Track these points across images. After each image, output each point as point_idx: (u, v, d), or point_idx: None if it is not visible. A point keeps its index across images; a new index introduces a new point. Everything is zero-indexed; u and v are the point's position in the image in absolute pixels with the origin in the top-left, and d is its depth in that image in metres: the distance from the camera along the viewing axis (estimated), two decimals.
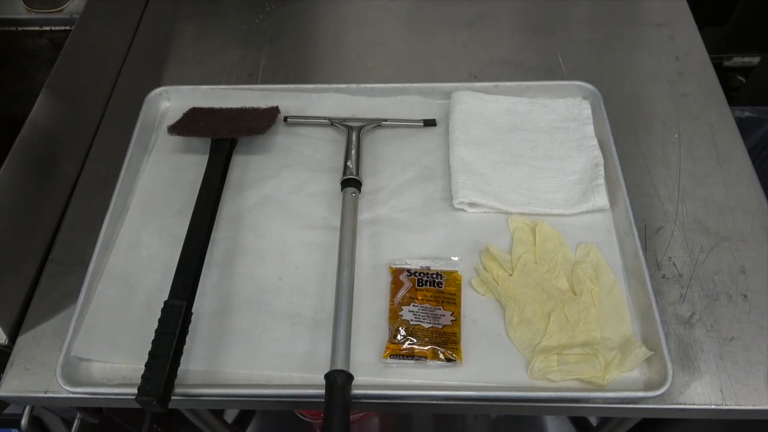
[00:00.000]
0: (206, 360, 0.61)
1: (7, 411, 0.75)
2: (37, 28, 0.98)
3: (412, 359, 0.60)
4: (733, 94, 1.64)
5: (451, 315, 0.63)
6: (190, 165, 0.77)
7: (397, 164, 0.77)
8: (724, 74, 1.72)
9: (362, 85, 0.83)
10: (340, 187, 0.72)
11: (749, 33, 1.63)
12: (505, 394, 0.58)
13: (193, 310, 0.61)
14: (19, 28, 0.98)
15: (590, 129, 0.77)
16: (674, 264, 0.68)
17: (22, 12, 0.98)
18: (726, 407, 0.59)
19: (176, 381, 0.57)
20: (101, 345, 0.62)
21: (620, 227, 0.69)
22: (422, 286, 0.65)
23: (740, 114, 1.20)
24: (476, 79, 0.88)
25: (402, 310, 0.63)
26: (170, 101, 0.84)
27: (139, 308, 0.65)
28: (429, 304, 0.63)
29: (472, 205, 0.71)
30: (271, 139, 0.80)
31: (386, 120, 0.80)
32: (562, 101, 0.81)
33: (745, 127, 1.20)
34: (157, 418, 0.99)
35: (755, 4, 1.56)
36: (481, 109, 0.80)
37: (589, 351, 0.59)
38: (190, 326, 0.60)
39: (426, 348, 0.60)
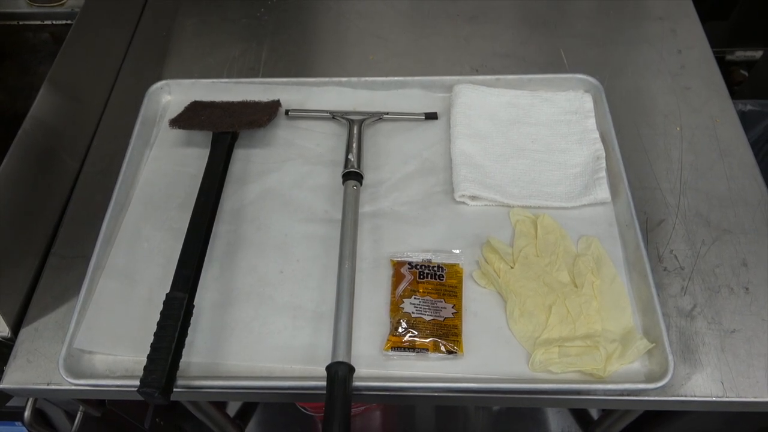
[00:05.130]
0: (208, 352, 0.62)
1: (9, 404, 0.76)
2: (39, 23, 0.98)
3: (414, 351, 0.60)
4: (736, 88, 1.63)
5: (453, 307, 0.63)
6: (191, 158, 0.77)
7: (399, 157, 0.77)
8: (727, 68, 1.71)
9: (363, 79, 0.83)
10: (341, 180, 0.72)
11: (752, 27, 1.63)
12: (507, 386, 0.58)
13: (195, 302, 0.61)
14: (21, 22, 0.98)
15: (592, 122, 0.77)
16: (676, 257, 0.68)
17: (23, 6, 0.98)
18: (727, 399, 0.59)
19: (178, 373, 0.57)
20: (103, 337, 0.63)
21: (622, 220, 0.69)
22: (423, 278, 0.65)
23: (742, 107, 1.20)
24: (478, 72, 0.87)
25: (403, 302, 0.63)
26: (171, 95, 0.84)
27: (141, 301, 0.65)
28: (430, 297, 0.63)
29: (473, 198, 0.71)
30: (272, 132, 0.80)
31: (387, 113, 0.80)
32: (564, 94, 0.80)
33: (747, 120, 1.19)
34: (159, 410, 1.00)
35: None
36: (482, 103, 0.80)
37: (590, 343, 0.59)
38: (192, 319, 0.60)
39: (427, 340, 0.61)
